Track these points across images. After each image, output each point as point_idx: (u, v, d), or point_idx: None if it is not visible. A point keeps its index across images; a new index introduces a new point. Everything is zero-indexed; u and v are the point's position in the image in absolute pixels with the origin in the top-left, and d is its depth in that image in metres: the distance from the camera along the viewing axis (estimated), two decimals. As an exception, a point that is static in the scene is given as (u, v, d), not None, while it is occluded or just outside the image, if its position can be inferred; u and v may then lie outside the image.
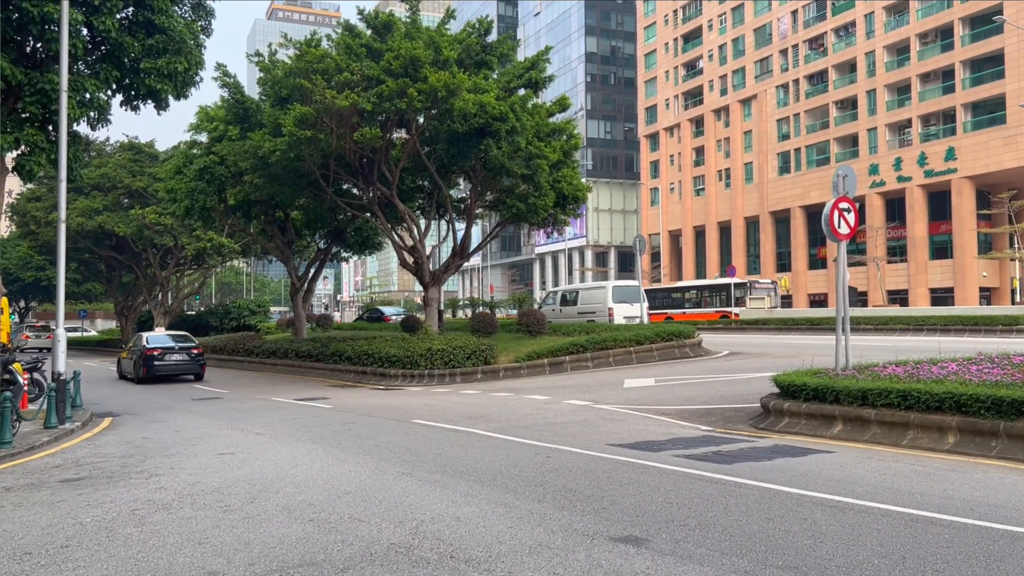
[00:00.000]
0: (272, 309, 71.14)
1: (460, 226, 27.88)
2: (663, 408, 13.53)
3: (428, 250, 27.41)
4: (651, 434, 10.85)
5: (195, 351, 25.94)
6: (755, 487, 7.37)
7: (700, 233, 76.91)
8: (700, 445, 9.81)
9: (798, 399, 10.86)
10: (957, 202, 53.01)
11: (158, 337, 26.92)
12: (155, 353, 25.08)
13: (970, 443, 8.74)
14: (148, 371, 24.74)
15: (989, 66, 51.61)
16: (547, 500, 7.09)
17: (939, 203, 55.00)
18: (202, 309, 65.47)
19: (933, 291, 55.18)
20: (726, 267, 65.46)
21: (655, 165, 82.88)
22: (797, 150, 66.18)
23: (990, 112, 51.72)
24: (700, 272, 75.73)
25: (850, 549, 5.43)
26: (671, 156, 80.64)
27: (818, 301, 62.40)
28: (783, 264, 67.58)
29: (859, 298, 55.00)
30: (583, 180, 27.27)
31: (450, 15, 25.94)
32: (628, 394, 15.80)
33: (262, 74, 25.41)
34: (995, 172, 50.54)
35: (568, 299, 33.53)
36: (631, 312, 29.71)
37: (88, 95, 15.90)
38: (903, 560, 5.18)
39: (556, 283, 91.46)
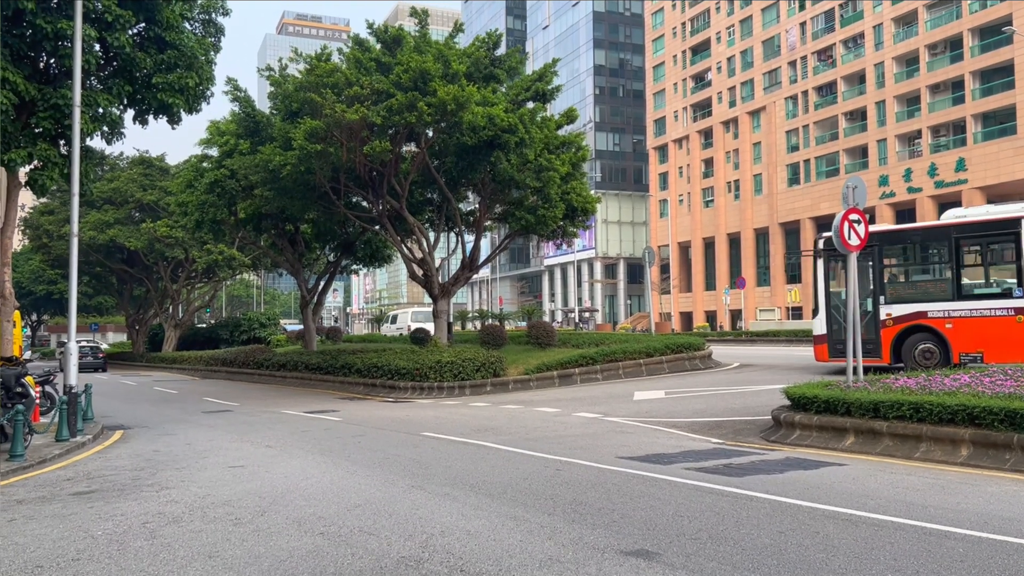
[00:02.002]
0: (282, 322, 71.34)
1: (469, 238, 27.92)
2: (673, 420, 13.48)
3: (437, 262, 27.46)
4: (661, 447, 10.81)
5: (100, 355, 45.97)
6: (767, 500, 7.33)
7: (709, 245, 76.78)
8: (711, 458, 9.76)
9: (809, 411, 10.80)
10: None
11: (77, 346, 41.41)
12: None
13: (983, 456, 8.67)
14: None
15: (999, 77, 51.48)
16: (557, 513, 7.06)
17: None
18: (212, 322, 65.74)
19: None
20: (736, 279, 65.32)
21: (664, 177, 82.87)
22: (806, 161, 66.07)
23: (1000, 123, 51.53)
24: (710, 284, 75.58)
25: (863, 563, 5.39)
26: (680, 168, 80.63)
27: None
28: (793, 276, 67.36)
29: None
30: (592, 192, 27.29)
31: (459, 28, 26.06)
32: (638, 406, 15.75)
33: (273, 88, 25.60)
34: (1006, 183, 50.30)
35: (391, 318, 49.35)
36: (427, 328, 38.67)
37: (101, 110, 16.07)
38: (917, 574, 5.14)
39: (565, 295, 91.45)
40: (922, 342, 16.73)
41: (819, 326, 18.41)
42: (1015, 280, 16.02)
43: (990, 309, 16.05)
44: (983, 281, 16.89)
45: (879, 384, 10.93)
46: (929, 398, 9.41)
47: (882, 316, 17.09)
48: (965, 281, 16.87)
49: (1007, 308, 15.85)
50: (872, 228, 18.34)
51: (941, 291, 16.94)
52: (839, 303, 17.80)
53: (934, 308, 16.70)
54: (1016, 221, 16.06)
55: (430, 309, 45.68)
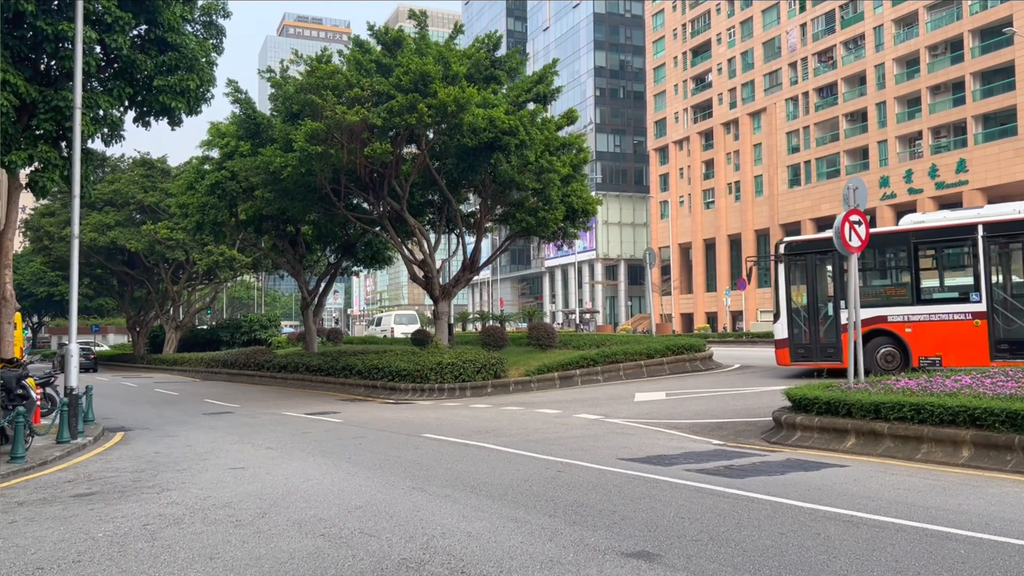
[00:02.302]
0: (282, 323, 71.35)
1: (470, 240, 27.92)
2: (674, 422, 13.47)
3: (438, 264, 27.46)
4: (662, 448, 10.80)
5: (91, 356, 46.12)
6: (768, 502, 7.32)
7: (710, 246, 76.77)
8: (712, 459, 9.76)
9: (810, 413, 10.80)
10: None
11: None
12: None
13: (985, 457, 8.66)
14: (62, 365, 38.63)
15: (1000, 78, 51.47)
16: (558, 515, 7.06)
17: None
18: (213, 323, 65.76)
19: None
20: (736, 280, 65.31)
21: (665, 178, 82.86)
22: (807, 163, 66.07)
23: (1001, 124, 51.52)
24: (710, 285, 75.55)
25: (864, 564, 5.39)
26: (681, 169, 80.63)
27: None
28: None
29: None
30: (593, 193, 27.28)
31: (458, 29, 26.06)
32: (639, 408, 15.75)
33: (273, 90, 25.60)
34: (1007, 184, 50.28)
35: (376, 321, 54.13)
36: (407, 330, 43.11)
37: (101, 112, 16.08)
38: (918, 575, 5.13)
39: (566, 296, 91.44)
40: (883, 346, 16.95)
41: (780, 331, 18.54)
42: (972, 285, 16.28)
43: (948, 313, 16.30)
44: (941, 286, 17.16)
45: (880, 385, 10.92)
46: (930, 399, 9.41)
47: (843, 320, 17.18)
48: (924, 286, 17.11)
49: (965, 312, 16.16)
50: (829, 234, 18.47)
51: (901, 296, 17.19)
52: (800, 307, 18.14)
53: (894, 313, 16.95)
54: (973, 227, 16.30)
55: (412, 312, 55.68)
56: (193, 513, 7.80)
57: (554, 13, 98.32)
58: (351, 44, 25.13)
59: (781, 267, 18.58)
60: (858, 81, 61.79)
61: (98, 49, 15.92)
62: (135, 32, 16.38)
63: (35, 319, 79.79)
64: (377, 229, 28.11)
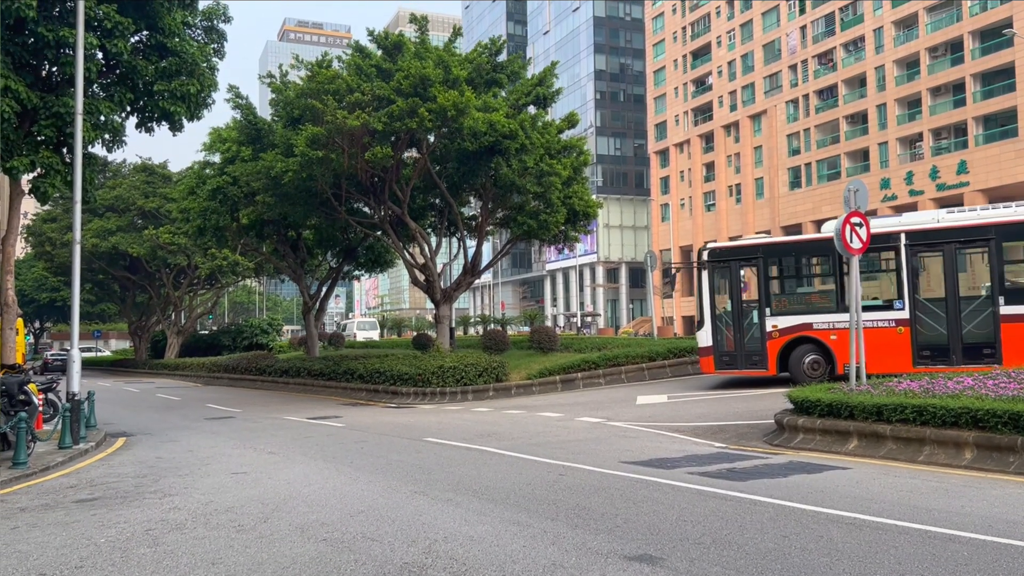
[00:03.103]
0: (284, 328, 71.41)
1: (471, 243, 27.94)
2: (676, 425, 13.47)
3: (439, 268, 27.47)
4: (664, 451, 10.79)
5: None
6: (770, 504, 7.31)
7: (711, 248, 76.63)
8: (714, 462, 9.75)
9: (812, 415, 10.79)
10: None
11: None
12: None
13: (987, 459, 8.65)
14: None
15: (1000, 79, 51.45)
16: (560, 519, 7.05)
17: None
18: (215, 328, 65.76)
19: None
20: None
21: (665, 181, 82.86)
22: (808, 165, 66.06)
23: (1002, 125, 51.49)
24: (712, 288, 75.35)
25: (867, 567, 5.38)
26: (681, 172, 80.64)
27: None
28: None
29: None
30: (593, 196, 27.30)
31: (457, 32, 26.10)
32: (641, 411, 15.74)
33: (274, 95, 25.64)
34: (1008, 185, 50.24)
35: (343, 328, 57.57)
36: (369, 335, 49.15)
37: (103, 117, 16.09)
38: (921, 578, 5.13)
39: (567, 299, 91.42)
40: (809, 354, 16.85)
41: (704, 339, 18.11)
42: (896, 292, 16.37)
43: (873, 321, 16.27)
44: (866, 293, 17.14)
45: (882, 387, 10.91)
46: (933, 401, 9.40)
47: (768, 328, 17.12)
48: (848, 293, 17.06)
49: (889, 320, 16.27)
50: (757, 240, 18.45)
51: (826, 303, 17.17)
52: (724, 315, 17.90)
53: (819, 320, 16.89)
54: (896, 236, 16.38)
55: (373, 319, 63.24)
56: (195, 518, 7.80)
57: (554, 17, 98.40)
58: (351, 49, 25.17)
59: (704, 274, 18.15)
60: (858, 83, 61.80)
61: (99, 55, 15.95)
62: (136, 38, 16.41)
63: (37, 325, 79.88)
64: (378, 233, 28.13)
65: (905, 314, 16.10)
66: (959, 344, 15.68)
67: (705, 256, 18.27)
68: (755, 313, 17.60)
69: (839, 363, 16.50)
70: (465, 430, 14.27)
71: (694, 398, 17.14)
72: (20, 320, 17.74)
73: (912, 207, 55.36)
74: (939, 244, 16.21)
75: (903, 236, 16.26)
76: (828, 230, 17.81)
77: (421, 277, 26.94)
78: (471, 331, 46.95)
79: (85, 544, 6.96)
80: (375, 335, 53.86)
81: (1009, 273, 16.03)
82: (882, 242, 16.66)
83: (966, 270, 16.50)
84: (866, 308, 16.61)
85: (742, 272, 18.07)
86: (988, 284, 15.82)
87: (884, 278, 17.22)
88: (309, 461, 11.36)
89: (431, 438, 13.28)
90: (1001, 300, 15.49)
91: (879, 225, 17.28)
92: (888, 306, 16.42)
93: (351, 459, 11.34)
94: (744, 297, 17.95)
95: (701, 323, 18.20)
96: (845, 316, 16.42)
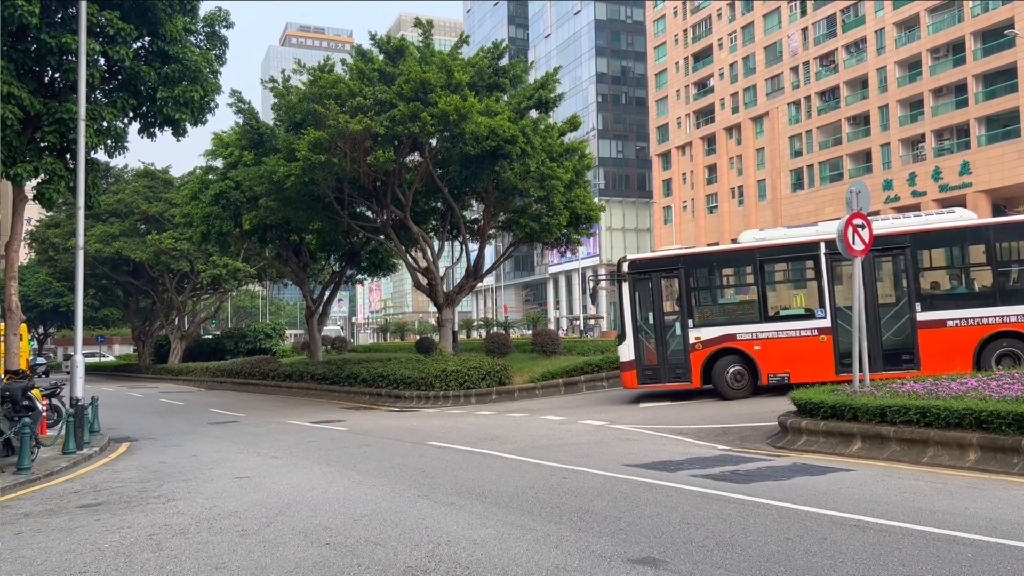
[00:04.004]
0: (287, 332, 71.49)
1: (473, 247, 27.96)
2: (679, 427, 13.45)
3: (442, 271, 27.49)
4: (667, 454, 10.78)
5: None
6: (773, 506, 7.30)
7: (714, 251, 76.56)
8: (717, 464, 9.74)
9: (816, 417, 10.77)
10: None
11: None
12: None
13: (991, 460, 8.63)
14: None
15: (1002, 80, 51.39)
16: (563, 522, 7.05)
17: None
18: (218, 333, 65.81)
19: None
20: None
21: (668, 183, 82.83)
22: (810, 166, 66.00)
23: (1004, 126, 51.42)
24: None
25: (871, 569, 5.37)
26: (683, 174, 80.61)
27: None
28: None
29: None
30: (596, 199, 27.31)
31: (464, 40, 26.19)
32: (644, 414, 15.73)
33: (276, 100, 25.69)
34: (1011, 186, 50.18)
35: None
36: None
37: (105, 123, 16.15)
38: (925, 580, 5.12)
39: (570, 302, 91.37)
40: (731, 365, 16.66)
41: (626, 352, 17.53)
42: (817, 301, 16.38)
43: (796, 330, 16.38)
44: (788, 303, 17.21)
45: (885, 389, 10.89)
46: (936, 402, 9.38)
47: (691, 340, 16.86)
48: (771, 303, 17.07)
49: (811, 329, 16.29)
50: (678, 251, 18.29)
51: (748, 314, 17.03)
52: (647, 327, 17.47)
53: (742, 331, 16.74)
54: (815, 244, 16.39)
55: (337, 327, 64.06)
56: (199, 523, 7.81)
57: (555, 20, 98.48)
58: (354, 53, 25.22)
59: (625, 286, 17.62)
60: (860, 84, 61.76)
61: (102, 61, 16.01)
62: (138, 44, 16.47)
63: (41, 330, 79.98)
64: (381, 237, 28.16)
65: (827, 323, 16.15)
66: (879, 351, 15.77)
67: (625, 268, 17.73)
68: (678, 325, 17.20)
69: (763, 374, 16.44)
70: (468, 434, 14.27)
71: (697, 401, 17.12)
72: (24, 326, 17.78)
73: (915, 208, 55.34)
74: None
75: (822, 245, 16.26)
76: (746, 240, 17.71)
77: (424, 281, 26.96)
78: (474, 334, 46.96)
79: (89, 549, 6.97)
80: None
81: (925, 280, 16.28)
82: (802, 251, 16.79)
83: (885, 278, 16.62)
84: (789, 317, 16.81)
85: (664, 284, 17.69)
86: (905, 291, 16.02)
87: (806, 287, 17.20)
88: (312, 465, 11.36)
89: (434, 442, 13.28)
90: (918, 307, 15.72)
91: (797, 234, 17.37)
92: (810, 315, 16.44)
93: (354, 463, 11.34)
94: (666, 309, 17.54)
95: (623, 337, 17.66)
96: (768, 326, 16.61)
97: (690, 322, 17.01)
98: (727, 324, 17.02)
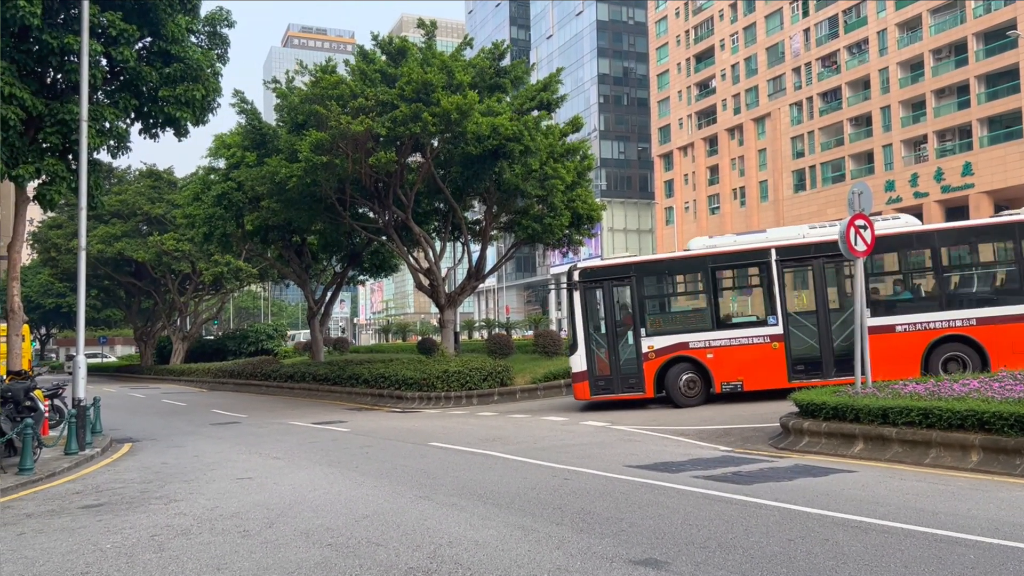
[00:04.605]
0: (289, 333, 71.51)
1: (475, 248, 27.96)
2: (681, 429, 13.45)
3: (443, 272, 27.48)
4: (669, 455, 10.78)
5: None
6: (775, 508, 7.29)
7: (716, 252, 76.50)
8: (719, 466, 9.73)
9: (818, 418, 10.77)
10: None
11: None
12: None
13: (994, 461, 8.61)
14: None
15: (1004, 81, 51.35)
16: (565, 523, 7.05)
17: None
18: (220, 334, 65.86)
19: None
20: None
21: (669, 184, 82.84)
22: (812, 167, 65.98)
23: (1007, 126, 51.38)
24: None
25: (873, 571, 5.36)
26: (685, 175, 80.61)
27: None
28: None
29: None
30: (597, 200, 27.30)
31: (467, 42, 26.22)
32: (646, 414, 15.73)
33: (278, 100, 25.71)
34: (1013, 187, 50.13)
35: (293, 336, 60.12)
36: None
37: (107, 124, 16.17)
38: (928, 581, 5.11)
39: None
40: (684, 372, 16.44)
41: (578, 363, 17.10)
42: (769, 308, 16.33)
43: (748, 337, 16.32)
44: (740, 310, 17.22)
45: (888, 390, 10.88)
46: (939, 404, 9.37)
47: (644, 349, 16.60)
48: (723, 311, 17.04)
49: (763, 336, 16.24)
50: (630, 259, 18.15)
51: (701, 322, 16.87)
52: (598, 337, 17.08)
53: (695, 339, 16.54)
54: (766, 251, 16.38)
55: (306, 330, 64.06)
56: (201, 523, 7.81)
57: (557, 21, 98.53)
58: (356, 54, 25.23)
59: (576, 295, 17.16)
60: (862, 85, 61.74)
61: (103, 62, 16.02)
62: (140, 44, 16.49)
63: (43, 331, 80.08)
64: (383, 238, 28.17)
65: (779, 329, 16.12)
66: (831, 357, 15.86)
67: (576, 276, 17.35)
68: (630, 334, 16.88)
69: (716, 381, 16.32)
70: (470, 434, 14.27)
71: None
72: (26, 326, 17.79)
73: (917, 209, 55.33)
74: (808, 259, 16.35)
75: (773, 252, 16.25)
76: (696, 247, 17.54)
77: (425, 282, 26.96)
78: (476, 335, 46.96)
79: (91, 550, 6.97)
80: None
81: (873, 285, 16.30)
82: (753, 258, 16.73)
83: (834, 284, 16.62)
84: (742, 325, 16.77)
85: (616, 292, 17.32)
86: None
87: (758, 294, 17.11)
88: (314, 466, 11.36)
89: (436, 442, 13.28)
90: (868, 312, 15.62)
91: (745, 242, 17.22)
92: (762, 322, 16.40)
93: (356, 464, 11.34)
94: (619, 318, 17.20)
95: (574, 347, 17.22)
96: (720, 334, 16.50)
97: (643, 331, 16.70)
98: (680, 332, 16.79)
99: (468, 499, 8.33)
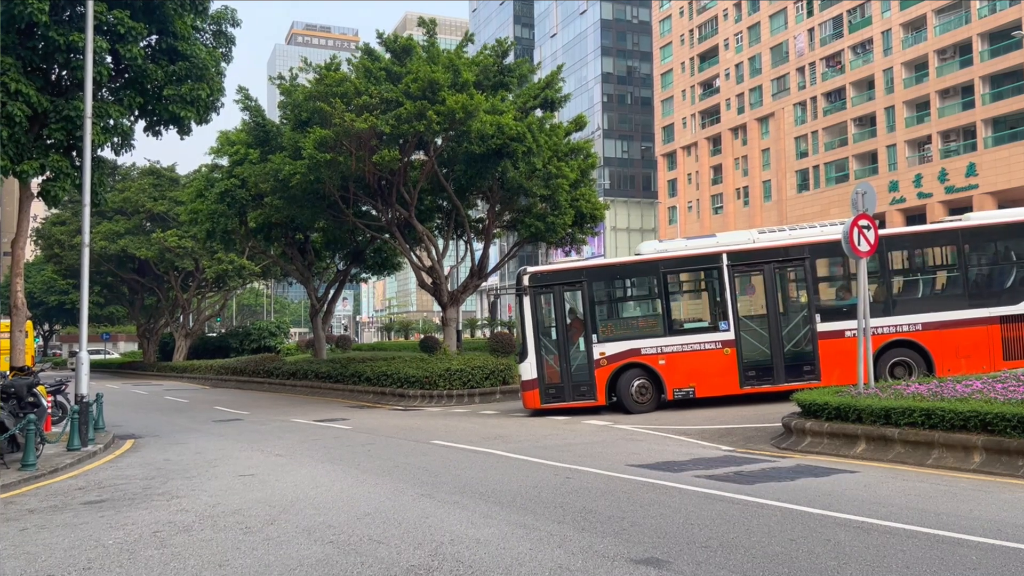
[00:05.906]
0: (291, 330, 71.55)
1: (478, 246, 27.94)
2: (684, 428, 13.45)
3: (446, 270, 27.47)
4: (671, 454, 10.78)
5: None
6: (777, 508, 7.29)
7: (719, 251, 76.43)
8: (721, 465, 9.73)
9: (820, 418, 10.76)
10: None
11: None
12: None
13: (996, 462, 8.60)
14: None
15: (1009, 81, 51.23)
16: (567, 521, 7.05)
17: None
18: (223, 331, 65.94)
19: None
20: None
21: (673, 184, 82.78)
22: (815, 167, 65.89)
23: (1011, 127, 51.26)
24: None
25: (875, 571, 5.36)
26: (688, 175, 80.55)
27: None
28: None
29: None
30: (601, 199, 27.28)
31: (468, 38, 26.17)
32: (647, 414, 15.72)
33: (282, 98, 25.71)
34: (1017, 188, 50.01)
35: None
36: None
37: (112, 121, 16.19)
38: (929, 582, 5.10)
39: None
40: (636, 379, 16.16)
41: (527, 371, 16.64)
42: (721, 313, 16.23)
43: (700, 343, 16.17)
44: (691, 316, 17.05)
45: (890, 391, 10.87)
46: (941, 404, 9.36)
47: (595, 356, 16.28)
48: (675, 316, 16.87)
49: (715, 341, 16.10)
50: (580, 263, 17.85)
51: (653, 328, 16.63)
52: (549, 344, 16.73)
53: (647, 345, 16.28)
54: (718, 256, 16.24)
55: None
56: (203, 520, 7.82)
57: (561, 19, 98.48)
58: (360, 52, 25.23)
59: (526, 300, 16.60)
60: (866, 85, 61.64)
61: (109, 59, 16.04)
62: (146, 42, 16.52)
63: (46, 327, 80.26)
64: (386, 236, 28.17)
65: (731, 335, 16.01)
66: (782, 363, 15.81)
67: (526, 281, 16.77)
68: (582, 341, 16.57)
69: (668, 388, 16.12)
70: (472, 433, 14.28)
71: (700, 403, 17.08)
72: (29, 323, 17.83)
73: (921, 209, 55.27)
74: (759, 264, 16.22)
75: (724, 257, 16.14)
76: (646, 251, 17.30)
77: (428, 280, 26.96)
78: (478, 334, 46.98)
79: (93, 546, 6.99)
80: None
81: (823, 291, 16.31)
82: (704, 263, 16.62)
83: (785, 289, 16.57)
84: (693, 331, 16.59)
85: (567, 298, 16.94)
86: (805, 303, 16.05)
87: (709, 299, 16.98)
88: (316, 463, 11.38)
89: (438, 441, 13.28)
90: (818, 318, 15.76)
91: (697, 246, 17.06)
92: (714, 328, 16.29)
93: (358, 461, 11.35)
94: (569, 324, 16.84)
95: (524, 354, 16.73)
96: (672, 340, 16.33)
97: (594, 337, 16.39)
98: (632, 339, 16.50)
99: (470, 497, 8.33)
